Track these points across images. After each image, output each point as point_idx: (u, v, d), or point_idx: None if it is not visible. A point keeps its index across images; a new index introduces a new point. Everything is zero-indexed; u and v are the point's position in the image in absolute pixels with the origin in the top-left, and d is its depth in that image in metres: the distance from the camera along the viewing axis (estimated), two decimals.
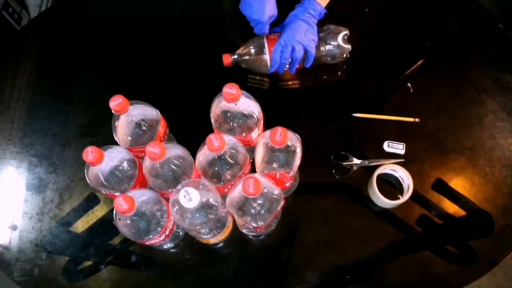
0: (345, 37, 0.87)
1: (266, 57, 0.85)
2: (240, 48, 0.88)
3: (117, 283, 0.79)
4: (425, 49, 0.96)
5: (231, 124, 0.72)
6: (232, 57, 0.88)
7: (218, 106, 0.71)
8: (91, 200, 0.85)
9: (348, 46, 0.88)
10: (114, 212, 0.65)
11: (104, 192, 0.71)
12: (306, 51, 0.85)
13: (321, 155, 0.85)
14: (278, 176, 0.70)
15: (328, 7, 0.86)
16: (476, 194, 0.81)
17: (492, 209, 0.80)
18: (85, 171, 0.70)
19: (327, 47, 0.87)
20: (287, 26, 0.84)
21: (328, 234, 0.80)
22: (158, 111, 0.75)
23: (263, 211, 0.65)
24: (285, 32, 0.83)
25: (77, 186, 0.86)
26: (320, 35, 0.87)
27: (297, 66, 0.87)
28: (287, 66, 0.86)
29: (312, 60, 0.86)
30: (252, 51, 0.86)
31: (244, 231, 0.79)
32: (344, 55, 0.89)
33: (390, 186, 0.81)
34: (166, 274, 0.81)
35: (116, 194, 0.70)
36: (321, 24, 0.87)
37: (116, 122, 0.72)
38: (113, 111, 0.69)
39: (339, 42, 0.87)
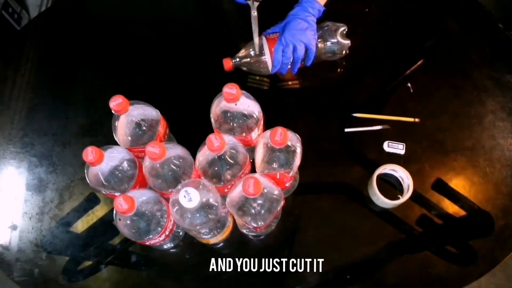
0: (344, 32, 0.88)
1: (267, 58, 0.85)
2: (240, 52, 0.88)
3: (117, 283, 0.79)
4: (425, 49, 0.96)
5: (231, 124, 0.72)
6: (233, 61, 0.88)
7: (218, 106, 0.71)
8: (91, 200, 0.85)
9: (347, 42, 0.88)
10: (114, 212, 0.65)
11: (104, 192, 0.71)
12: (307, 50, 0.85)
13: (321, 155, 0.86)
14: (278, 176, 0.70)
15: (327, 5, 0.86)
16: (476, 194, 0.81)
17: (492, 209, 0.80)
18: (85, 171, 0.70)
19: (327, 44, 0.87)
20: (287, 26, 0.84)
21: (328, 234, 0.80)
22: (158, 111, 0.75)
23: (263, 211, 0.65)
24: (285, 31, 0.83)
25: (77, 186, 0.86)
26: (319, 32, 0.87)
27: (299, 65, 0.87)
28: (289, 66, 0.86)
29: (313, 58, 0.86)
30: (252, 53, 0.86)
31: (244, 231, 0.79)
32: (344, 51, 0.89)
33: (390, 186, 0.81)
34: (166, 274, 0.81)
35: (116, 194, 0.70)
36: (319, 22, 0.87)
37: (116, 122, 0.72)
38: (113, 111, 0.69)
39: (338, 38, 0.87)
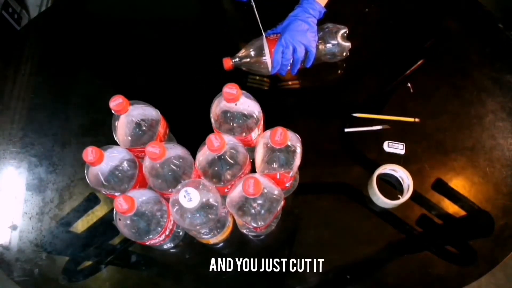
0: (344, 34, 0.88)
1: (267, 58, 0.85)
2: (240, 51, 0.88)
3: (117, 283, 0.79)
4: (425, 49, 0.96)
5: (231, 124, 0.72)
6: (233, 60, 0.88)
7: (218, 106, 0.71)
8: (91, 200, 0.85)
9: (348, 44, 0.88)
10: (114, 212, 0.65)
11: (104, 192, 0.71)
12: (307, 51, 0.85)
13: (321, 155, 0.86)
14: (278, 176, 0.70)
15: (327, 6, 0.86)
16: (476, 194, 0.81)
17: (492, 209, 0.80)
18: (85, 171, 0.70)
19: (327, 46, 0.87)
20: (287, 27, 0.84)
21: (328, 234, 0.80)
22: (158, 111, 0.75)
23: (263, 211, 0.65)
24: (286, 32, 0.83)
25: (77, 186, 0.86)
26: (320, 34, 0.87)
27: (299, 66, 0.87)
28: (289, 67, 0.86)
29: (313, 60, 0.86)
30: (252, 53, 0.86)
31: (244, 231, 0.79)
32: (344, 53, 0.89)
33: (390, 186, 0.81)
34: (166, 274, 0.81)
35: (116, 194, 0.70)
36: (320, 23, 0.87)
37: (116, 122, 0.72)
38: (113, 111, 0.69)
39: (339, 41, 0.87)
